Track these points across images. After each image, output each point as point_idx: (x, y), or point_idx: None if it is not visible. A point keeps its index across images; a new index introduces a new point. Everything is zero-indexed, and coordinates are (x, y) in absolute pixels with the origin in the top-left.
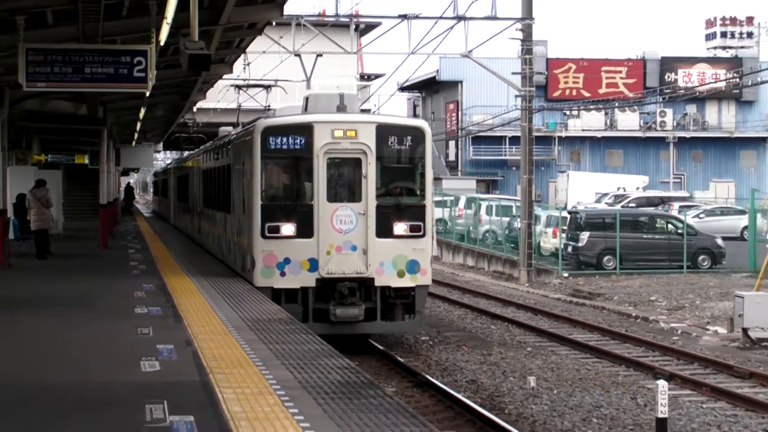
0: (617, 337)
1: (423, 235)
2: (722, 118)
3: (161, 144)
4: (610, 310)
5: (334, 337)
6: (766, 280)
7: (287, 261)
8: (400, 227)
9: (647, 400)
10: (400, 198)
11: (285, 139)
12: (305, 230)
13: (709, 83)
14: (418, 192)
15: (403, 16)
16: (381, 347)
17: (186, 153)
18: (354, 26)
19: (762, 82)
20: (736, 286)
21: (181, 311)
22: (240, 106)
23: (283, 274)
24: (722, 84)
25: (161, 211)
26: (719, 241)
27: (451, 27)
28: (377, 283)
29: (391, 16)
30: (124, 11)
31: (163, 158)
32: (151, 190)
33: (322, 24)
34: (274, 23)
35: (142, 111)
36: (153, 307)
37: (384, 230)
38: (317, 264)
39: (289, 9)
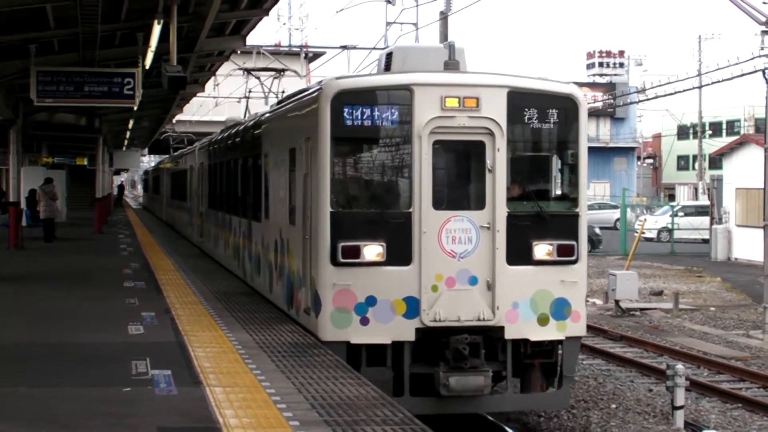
0: None
1: (576, 261)
2: (600, 131)
3: (147, 149)
4: None
5: (442, 417)
6: (634, 262)
7: (371, 301)
8: (542, 248)
9: None
10: (543, 203)
11: (368, 112)
12: (400, 253)
13: (589, 103)
14: (569, 194)
15: (344, 47)
16: None
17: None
18: (304, 54)
19: (631, 103)
20: (611, 266)
21: (161, 285)
22: (249, 91)
23: (364, 321)
24: (600, 104)
25: (152, 207)
26: (597, 230)
27: None
28: (509, 334)
29: (334, 46)
30: (116, 41)
31: (148, 161)
32: (139, 186)
33: (277, 52)
34: (239, 51)
35: (131, 122)
36: (138, 282)
37: (519, 253)
38: (418, 306)
39: (250, 40)
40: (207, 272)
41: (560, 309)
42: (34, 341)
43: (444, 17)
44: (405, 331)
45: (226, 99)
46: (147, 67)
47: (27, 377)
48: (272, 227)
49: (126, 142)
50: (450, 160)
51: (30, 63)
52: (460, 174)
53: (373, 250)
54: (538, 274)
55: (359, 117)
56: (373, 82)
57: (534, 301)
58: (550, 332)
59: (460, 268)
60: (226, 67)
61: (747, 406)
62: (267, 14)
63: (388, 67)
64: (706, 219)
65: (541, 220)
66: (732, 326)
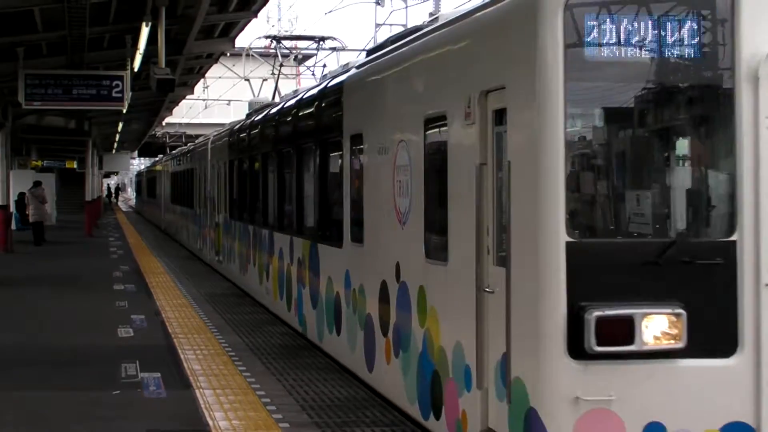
0: None
1: None
2: None
3: (136, 152)
4: None
5: None
6: None
7: None
8: None
9: None
10: None
11: (641, 30)
12: (713, 330)
13: None
14: None
15: (333, 49)
16: None
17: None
18: (293, 56)
19: None
20: None
21: (152, 288)
22: (282, 64)
23: None
24: None
25: (147, 213)
26: None
27: None
28: None
29: (324, 48)
30: (104, 43)
31: (138, 163)
32: (129, 189)
33: (267, 54)
34: (228, 54)
35: (120, 125)
36: (128, 284)
37: None
38: None
39: (239, 42)
40: (197, 274)
41: None
42: (24, 344)
43: (434, 19)
44: None
45: (215, 101)
46: (135, 69)
47: (16, 380)
48: (372, 258)
49: (115, 144)
50: None
51: (18, 66)
52: None
53: (657, 325)
54: None
55: (622, 40)
56: None
57: None
58: None
59: None
60: (215, 70)
61: None
62: (255, 16)
63: None
64: None
65: None
66: None
